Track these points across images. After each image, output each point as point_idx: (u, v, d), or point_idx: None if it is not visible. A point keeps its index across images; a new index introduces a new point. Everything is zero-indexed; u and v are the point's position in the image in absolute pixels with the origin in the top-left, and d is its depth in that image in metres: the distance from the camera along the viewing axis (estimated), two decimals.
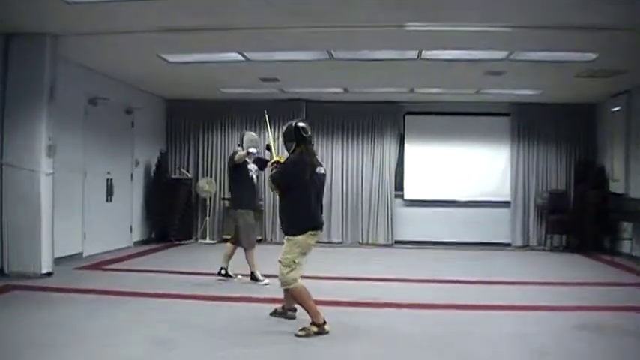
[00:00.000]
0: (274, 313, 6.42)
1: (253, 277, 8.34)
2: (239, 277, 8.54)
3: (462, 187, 13.84)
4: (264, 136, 8.99)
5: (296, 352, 5.28)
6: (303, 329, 5.70)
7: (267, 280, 8.18)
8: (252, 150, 8.23)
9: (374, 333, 5.91)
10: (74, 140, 10.22)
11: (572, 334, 5.91)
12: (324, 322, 5.75)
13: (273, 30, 8.16)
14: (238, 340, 5.57)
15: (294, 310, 6.30)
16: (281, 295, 6.33)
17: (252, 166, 8.45)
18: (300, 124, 6.06)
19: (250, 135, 8.61)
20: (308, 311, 5.81)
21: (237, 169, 8.36)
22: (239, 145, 8.56)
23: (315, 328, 5.70)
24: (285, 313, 6.36)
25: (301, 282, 5.86)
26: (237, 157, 8.24)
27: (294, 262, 5.79)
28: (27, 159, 8.42)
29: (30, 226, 8.42)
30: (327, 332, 5.72)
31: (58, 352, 5.05)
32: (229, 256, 8.54)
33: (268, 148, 7.68)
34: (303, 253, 5.87)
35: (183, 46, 9.23)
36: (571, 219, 12.93)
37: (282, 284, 5.89)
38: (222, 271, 8.53)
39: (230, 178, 8.74)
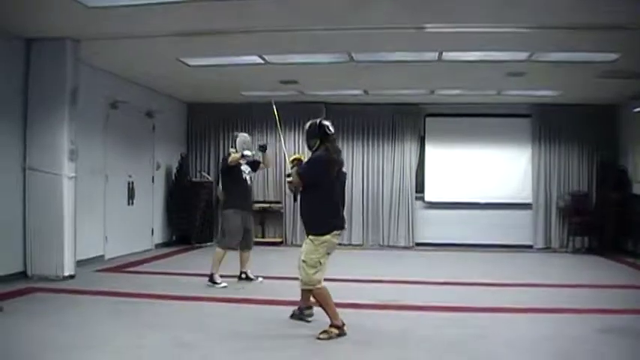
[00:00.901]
0: (293, 316, 6.42)
1: (211, 279, 8.28)
2: (260, 279, 8.55)
3: (483, 189, 13.76)
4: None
5: (317, 355, 5.27)
6: (324, 332, 5.69)
7: (224, 284, 8.24)
8: (247, 152, 8.17)
9: (394, 336, 5.89)
10: (96, 144, 10.31)
11: (594, 337, 5.85)
12: (343, 324, 5.76)
13: (292, 32, 8.17)
14: (259, 343, 5.57)
15: (311, 307, 6.31)
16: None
17: (245, 168, 8.43)
18: (325, 122, 6.06)
19: (243, 136, 8.56)
20: (328, 313, 5.80)
21: (230, 171, 8.34)
22: (232, 147, 8.52)
23: (336, 330, 5.70)
24: (302, 313, 6.36)
25: (324, 285, 5.85)
26: (230, 159, 8.21)
27: (320, 262, 5.77)
28: (49, 163, 8.51)
29: (52, 229, 8.50)
30: (346, 334, 5.72)
31: (80, 353, 5.09)
32: (246, 260, 8.58)
33: (262, 148, 7.72)
34: (328, 253, 5.86)
35: (202, 49, 9.27)
36: (593, 221, 12.84)
37: (306, 285, 5.83)
38: (243, 275, 8.57)
39: (223, 180, 8.69)
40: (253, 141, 9.11)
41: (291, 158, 6.25)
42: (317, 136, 5.98)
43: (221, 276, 8.32)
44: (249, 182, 8.56)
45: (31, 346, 5.30)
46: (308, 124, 6.12)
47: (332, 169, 5.92)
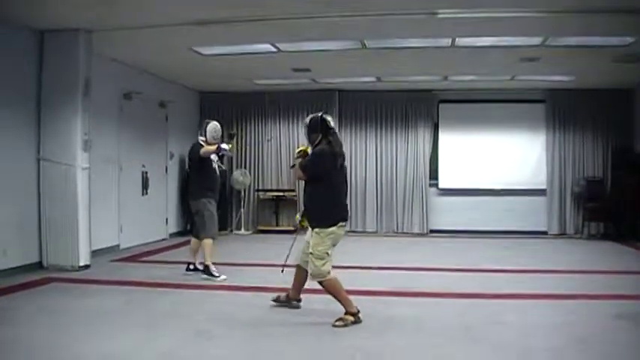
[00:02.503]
0: (277, 300, 6.48)
1: (207, 272, 8.05)
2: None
3: (497, 175, 13.72)
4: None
5: (333, 342, 5.27)
6: (340, 319, 5.71)
7: (224, 276, 8.02)
8: (225, 146, 7.93)
9: (409, 323, 5.88)
10: (109, 134, 10.34)
11: (609, 323, 5.84)
12: (358, 311, 5.78)
13: (304, 20, 8.13)
14: (276, 331, 5.59)
15: (299, 300, 6.41)
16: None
17: (214, 156, 8.22)
18: (326, 116, 6.08)
19: (214, 124, 8.30)
20: (342, 302, 5.82)
21: (201, 161, 8.07)
22: (201, 135, 8.26)
23: (351, 318, 5.73)
24: (289, 302, 6.42)
25: (334, 274, 5.87)
26: (203, 151, 7.94)
27: (327, 253, 5.81)
28: (63, 154, 8.55)
29: (67, 220, 8.55)
30: (361, 321, 5.74)
31: (97, 342, 5.12)
32: (196, 251, 8.40)
33: (231, 136, 7.69)
34: (334, 245, 5.90)
35: (215, 38, 9.24)
36: (608, 206, 12.77)
37: (316, 277, 5.86)
38: (191, 267, 8.41)
39: (192, 169, 8.38)
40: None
41: (298, 149, 6.28)
42: (319, 131, 6.01)
43: (237, 264, 8.31)
44: (217, 172, 8.42)
45: (47, 335, 5.34)
46: (309, 119, 6.16)
47: (336, 162, 5.95)
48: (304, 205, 6.21)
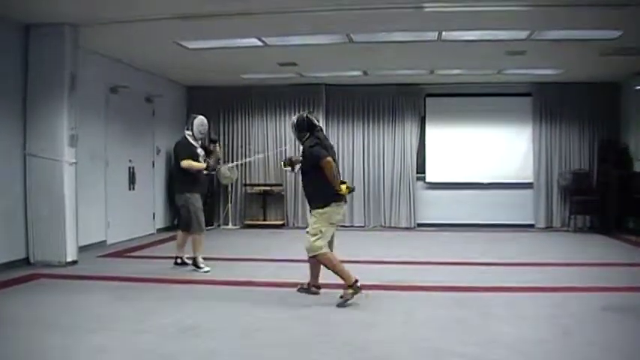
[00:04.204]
0: (301, 289, 6.79)
1: (195, 264, 8.14)
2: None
3: (484, 168, 13.75)
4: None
5: (323, 335, 5.27)
6: (341, 297, 6.10)
7: (208, 268, 8.07)
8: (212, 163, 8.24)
9: (398, 316, 5.89)
10: (96, 129, 10.29)
11: (596, 315, 5.87)
12: (356, 280, 6.15)
13: (291, 14, 8.11)
14: (263, 325, 5.58)
15: (319, 287, 6.70)
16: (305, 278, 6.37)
17: (200, 151, 8.22)
18: (310, 115, 6.64)
19: (201, 119, 8.27)
20: (339, 274, 6.21)
21: (188, 157, 8.03)
22: (187, 129, 8.22)
23: (350, 291, 6.10)
24: (309, 289, 6.73)
25: (328, 250, 6.29)
26: (186, 165, 7.96)
27: (321, 231, 6.23)
28: (50, 149, 8.49)
29: (54, 216, 8.51)
30: (360, 290, 6.14)
31: (84, 337, 5.10)
32: (182, 245, 8.46)
33: (213, 140, 7.93)
34: (331, 223, 6.33)
35: (201, 32, 9.20)
36: (595, 199, 12.81)
37: (309, 252, 6.34)
38: (179, 260, 8.48)
39: (177, 164, 8.20)
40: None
41: (284, 161, 7.07)
42: (306, 130, 6.56)
43: (225, 258, 8.30)
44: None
45: (35, 330, 5.32)
46: (296, 119, 6.69)
47: (327, 152, 6.40)
48: (306, 190, 6.63)
